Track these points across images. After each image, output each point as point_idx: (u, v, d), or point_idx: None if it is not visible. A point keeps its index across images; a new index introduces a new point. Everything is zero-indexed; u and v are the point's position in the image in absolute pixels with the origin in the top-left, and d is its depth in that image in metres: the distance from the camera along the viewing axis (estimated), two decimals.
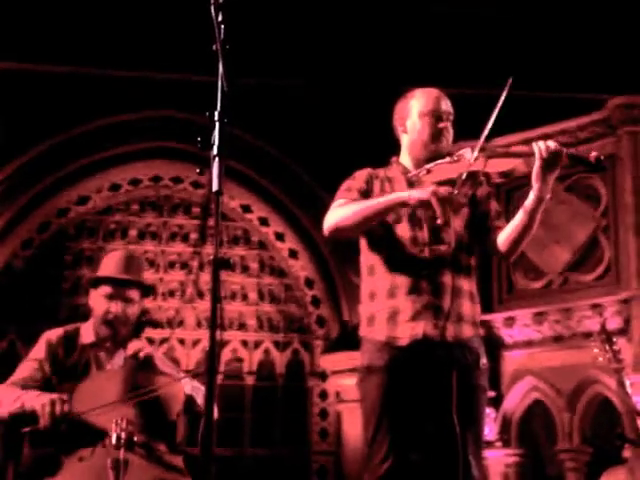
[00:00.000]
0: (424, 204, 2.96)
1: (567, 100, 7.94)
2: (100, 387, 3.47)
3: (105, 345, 3.68)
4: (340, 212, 3.11)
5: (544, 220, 7.70)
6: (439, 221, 2.92)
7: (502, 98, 2.98)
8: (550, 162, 2.93)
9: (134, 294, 3.68)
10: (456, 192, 2.96)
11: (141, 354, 3.52)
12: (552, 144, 2.94)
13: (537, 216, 3.05)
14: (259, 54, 8.08)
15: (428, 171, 3.11)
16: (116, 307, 3.62)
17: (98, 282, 3.70)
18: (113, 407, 3.36)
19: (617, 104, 7.04)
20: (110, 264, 3.72)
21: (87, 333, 3.70)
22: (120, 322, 3.64)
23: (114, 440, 3.29)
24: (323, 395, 8.96)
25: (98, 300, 3.68)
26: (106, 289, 3.65)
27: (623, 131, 7.07)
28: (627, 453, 4.77)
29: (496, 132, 6.33)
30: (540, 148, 2.94)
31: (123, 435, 3.29)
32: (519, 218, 3.07)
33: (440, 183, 3.12)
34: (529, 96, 7.76)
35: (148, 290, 3.84)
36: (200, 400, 3.62)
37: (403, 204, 3.03)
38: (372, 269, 3.18)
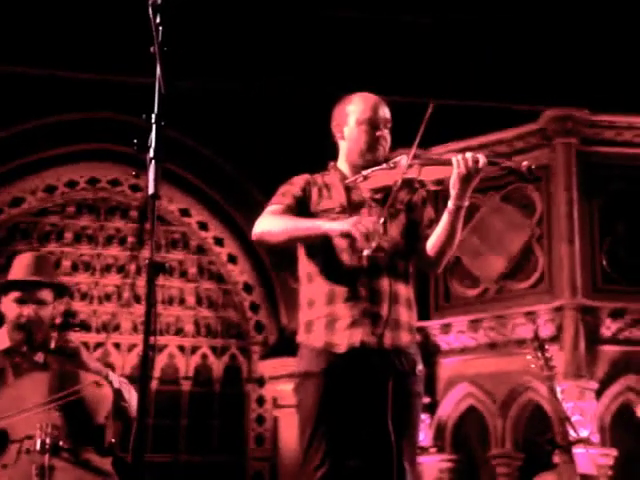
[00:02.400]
0: (347, 236, 2.97)
1: (505, 110, 8.08)
2: (20, 393, 3.39)
3: (21, 350, 3.59)
4: (270, 223, 3.11)
5: (480, 229, 7.89)
6: (365, 252, 2.94)
7: (426, 118, 3.00)
8: (467, 174, 2.97)
9: (46, 295, 3.60)
10: (382, 221, 2.97)
11: (70, 345, 3.45)
12: (470, 158, 2.98)
13: (458, 224, 3.08)
14: (198, 57, 8.04)
15: (365, 177, 3.13)
16: (28, 310, 3.54)
17: (8, 287, 3.61)
18: (37, 412, 3.29)
19: (552, 116, 7.18)
20: (19, 267, 3.63)
21: (2, 340, 3.61)
22: (34, 325, 3.55)
23: (38, 446, 3.22)
24: (260, 401, 8.94)
25: (9, 305, 3.60)
26: (15, 294, 3.57)
27: (557, 142, 7.21)
28: (557, 458, 4.84)
29: (436, 141, 6.42)
30: (458, 160, 2.98)
31: (48, 440, 3.23)
32: (441, 227, 3.11)
33: (376, 190, 3.15)
34: (468, 105, 7.87)
35: (62, 290, 3.75)
36: (127, 395, 3.58)
37: (327, 235, 3.04)
38: (310, 276, 3.18)
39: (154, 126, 2.50)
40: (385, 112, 3.28)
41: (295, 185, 3.24)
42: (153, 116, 2.52)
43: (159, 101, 2.52)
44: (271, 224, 3.10)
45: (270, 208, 3.18)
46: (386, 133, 3.26)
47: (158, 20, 2.52)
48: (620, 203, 7.06)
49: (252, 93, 8.41)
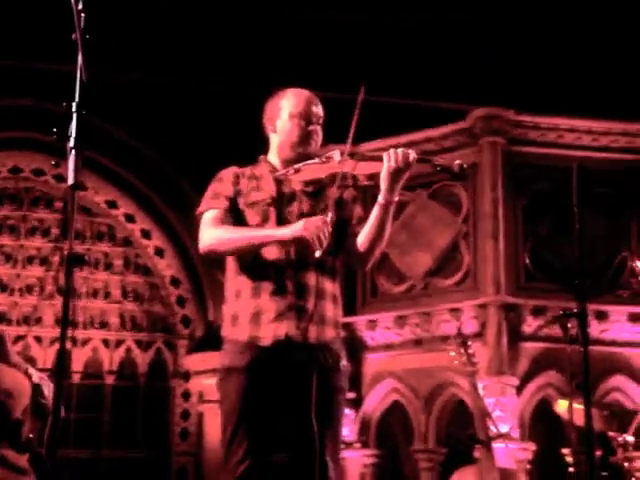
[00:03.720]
0: (299, 240, 2.98)
1: (435, 109, 8.15)
2: None
3: None
4: (216, 236, 3.09)
5: (408, 226, 7.95)
6: (317, 254, 2.95)
7: (359, 102, 3.01)
8: (397, 169, 3.00)
9: None
10: (330, 216, 2.98)
11: None
12: (401, 154, 3.00)
13: (387, 221, 3.10)
14: (129, 49, 7.92)
15: (296, 171, 3.12)
16: None
17: None
18: None
19: (479, 115, 7.29)
20: None
21: None
22: None
23: None
24: (186, 395, 8.87)
25: None
26: None
27: (484, 141, 7.32)
28: (478, 453, 4.91)
29: (366, 137, 6.45)
30: (389, 156, 3.01)
31: None
32: (370, 223, 3.12)
33: (308, 183, 3.15)
34: (398, 103, 7.92)
35: None
36: (47, 391, 3.51)
37: (278, 241, 3.05)
38: (238, 269, 3.16)
39: (74, 115, 2.44)
40: (318, 107, 3.28)
41: (225, 181, 3.22)
42: (74, 105, 2.47)
43: (80, 89, 2.47)
44: (219, 237, 3.09)
45: (209, 216, 3.15)
46: (318, 129, 3.26)
47: (80, 7, 2.46)
48: (543, 203, 7.19)
49: (183, 85, 8.33)
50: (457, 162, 3.03)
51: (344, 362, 3.19)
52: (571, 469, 5.01)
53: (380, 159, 3.06)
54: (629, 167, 7.50)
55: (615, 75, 8.35)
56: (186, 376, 8.83)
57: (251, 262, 3.14)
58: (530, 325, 7.04)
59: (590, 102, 7.87)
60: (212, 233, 3.11)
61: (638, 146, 7.48)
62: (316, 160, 3.13)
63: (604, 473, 4.30)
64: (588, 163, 7.26)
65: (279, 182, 3.21)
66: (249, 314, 3.10)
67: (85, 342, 8.79)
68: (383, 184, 3.04)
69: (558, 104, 7.63)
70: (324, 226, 2.96)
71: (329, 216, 2.99)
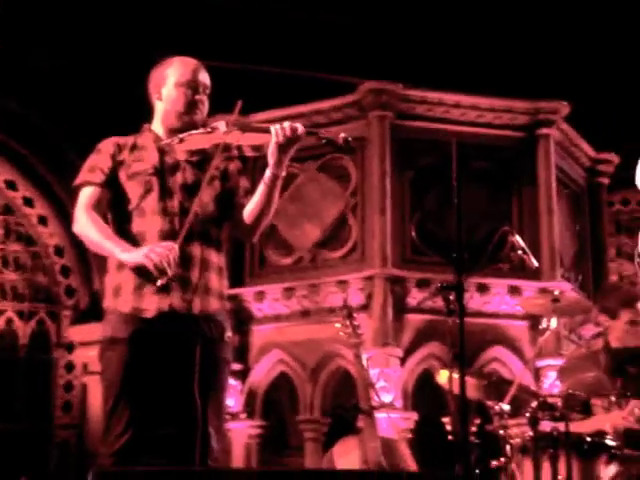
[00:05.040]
0: (141, 268, 2.95)
1: (326, 81, 8.15)
2: None
3: None
4: (81, 225, 3.10)
5: (296, 197, 7.96)
6: (159, 283, 2.93)
7: (237, 109, 3.02)
8: (285, 142, 3.01)
9: None
10: (175, 247, 2.95)
11: None
12: (288, 127, 3.02)
13: (274, 193, 3.12)
14: (18, 20, 7.65)
15: (181, 140, 3.09)
16: None
17: None
18: None
19: (368, 89, 7.33)
20: None
21: None
22: None
23: None
24: (69, 367, 8.72)
25: None
26: None
27: (373, 115, 7.38)
28: (361, 423, 5.00)
29: (256, 108, 6.39)
30: (277, 129, 3.01)
31: None
32: (259, 193, 3.13)
33: (193, 152, 3.12)
34: (288, 74, 7.89)
35: None
36: None
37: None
38: (121, 239, 3.10)
39: None
40: (204, 77, 3.25)
41: (103, 154, 3.15)
42: None
43: None
44: (82, 230, 3.11)
45: (83, 195, 3.12)
46: (204, 98, 3.23)
47: None
48: (430, 177, 7.31)
49: (65, 52, 8.08)
50: (342, 135, 3.07)
51: (229, 334, 3.20)
52: (450, 437, 5.15)
53: (267, 131, 3.06)
54: (512, 143, 7.70)
55: (501, 52, 8.53)
56: (69, 347, 8.67)
57: (134, 233, 3.09)
58: (415, 297, 7.18)
59: (477, 79, 8.02)
60: (80, 221, 3.11)
61: (521, 123, 7.68)
62: (201, 130, 3.11)
63: (477, 441, 4.44)
64: (473, 139, 7.43)
65: (163, 152, 3.17)
66: (132, 285, 3.06)
67: None
68: (271, 158, 3.05)
69: (446, 80, 7.75)
70: (170, 253, 2.94)
71: (177, 244, 2.96)
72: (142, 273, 2.98)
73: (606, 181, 8.55)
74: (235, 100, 3.07)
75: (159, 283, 2.95)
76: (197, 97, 3.19)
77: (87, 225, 3.09)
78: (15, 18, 7.60)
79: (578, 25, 8.26)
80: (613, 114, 8.19)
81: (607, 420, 4.08)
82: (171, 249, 2.94)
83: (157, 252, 2.93)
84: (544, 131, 7.63)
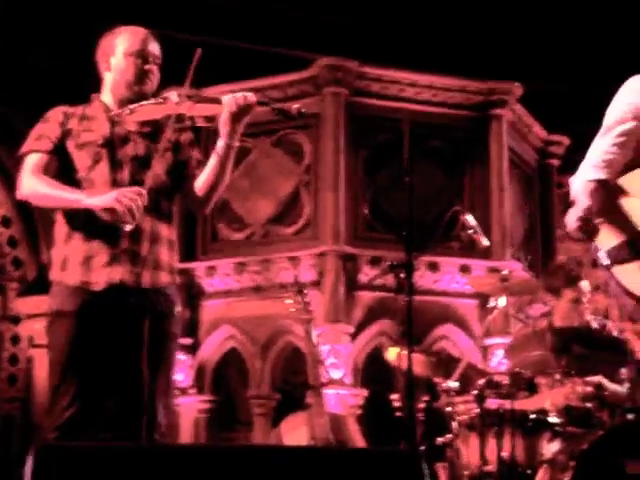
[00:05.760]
0: (109, 211, 2.90)
1: (282, 56, 8.09)
2: None
3: None
4: (32, 185, 3.02)
5: (250, 172, 7.92)
6: (127, 228, 2.88)
7: (194, 61, 2.97)
8: (237, 112, 2.99)
9: None
10: (144, 192, 2.91)
11: None
12: (241, 97, 2.99)
13: (227, 164, 3.09)
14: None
15: (131, 111, 3.04)
16: None
17: None
18: None
19: (323, 65, 7.30)
20: None
21: None
22: None
23: None
24: (15, 340, 8.60)
25: None
26: None
27: (327, 91, 7.35)
28: (310, 399, 5.01)
29: (211, 82, 6.31)
30: (229, 99, 2.99)
31: None
32: (211, 165, 3.10)
33: (144, 123, 3.07)
34: (246, 49, 7.81)
35: None
36: None
37: (88, 209, 2.97)
38: (69, 211, 3.05)
39: None
40: (154, 47, 3.19)
41: (52, 122, 3.09)
42: None
43: None
44: (34, 190, 3.02)
45: (30, 161, 3.05)
46: (155, 68, 3.18)
47: None
48: (384, 155, 7.33)
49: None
50: (295, 106, 3.06)
51: (178, 308, 3.18)
52: (398, 414, 5.20)
53: (219, 101, 3.04)
54: (466, 123, 7.74)
55: (457, 32, 8.54)
56: (16, 320, 8.55)
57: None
58: (367, 274, 7.20)
59: (432, 58, 8.02)
60: (29, 183, 3.03)
61: (474, 102, 7.72)
62: (152, 101, 3.06)
63: (423, 417, 4.48)
64: (427, 118, 7.46)
65: (113, 122, 3.11)
66: (80, 258, 3.02)
67: None
68: (223, 128, 3.03)
69: (402, 58, 7.74)
70: (137, 198, 2.90)
71: (145, 189, 2.92)
72: (111, 217, 2.93)
73: (557, 163, 8.65)
74: (186, 72, 3.02)
75: (128, 228, 2.90)
76: (147, 67, 3.14)
77: (36, 184, 3.02)
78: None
79: (533, 7, 8.30)
80: (565, 96, 8.26)
81: (549, 397, 4.15)
82: (140, 194, 2.90)
83: (128, 196, 2.89)
84: (497, 111, 7.68)
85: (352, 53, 7.46)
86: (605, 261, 2.54)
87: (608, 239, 2.58)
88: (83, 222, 3.03)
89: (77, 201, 2.98)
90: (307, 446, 4.39)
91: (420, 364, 4.29)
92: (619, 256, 2.53)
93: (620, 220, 2.59)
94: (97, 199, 2.94)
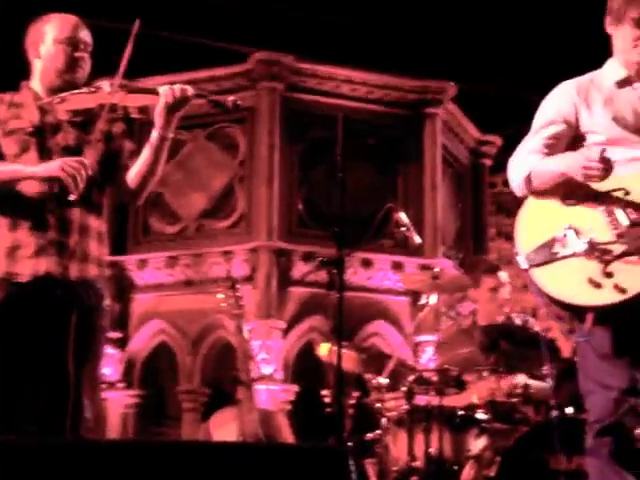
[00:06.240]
0: (54, 180, 2.83)
1: (218, 49, 8.04)
2: None
3: None
4: None
5: (184, 165, 7.86)
6: (72, 197, 2.83)
7: (133, 35, 2.92)
8: (173, 104, 2.97)
9: None
10: (87, 162, 2.86)
11: None
12: (177, 88, 2.96)
13: (161, 155, 3.06)
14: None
15: (62, 100, 2.98)
16: None
17: None
18: None
19: (259, 59, 7.29)
20: None
21: None
22: None
23: None
24: None
25: None
26: None
27: (263, 86, 7.33)
28: (240, 395, 4.99)
29: (147, 72, 6.23)
30: (165, 90, 2.96)
31: None
32: (144, 156, 3.06)
33: (75, 113, 3.01)
34: (183, 41, 7.75)
35: None
36: None
37: (31, 178, 2.91)
38: None
39: None
40: (85, 34, 3.14)
41: None
42: None
43: None
44: None
45: None
46: (86, 56, 3.12)
47: None
48: (319, 151, 7.34)
49: None
50: (231, 98, 3.04)
51: (107, 301, 3.13)
52: (328, 409, 5.21)
53: (153, 92, 2.99)
54: (400, 121, 7.80)
55: (394, 31, 8.59)
56: None
57: (9, 194, 2.97)
58: (300, 270, 7.21)
59: (369, 55, 8.06)
60: None
61: (409, 100, 7.79)
62: (84, 89, 3.00)
63: (352, 413, 4.50)
64: (362, 114, 7.49)
65: (43, 111, 3.05)
66: (5, 248, 2.96)
67: None
68: (158, 119, 2.99)
69: (338, 54, 7.76)
70: (82, 168, 2.85)
71: (88, 158, 2.88)
72: (54, 187, 2.88)
73: (489, 162, 8.78)
74: (118, 62, 2.97)
75: (72, 197, 2.85)
76: (77, 54, 3.08)
77: None
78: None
79: (469, 8, 8.39)
80: (498, 97, 8.38)
81: (475, 391, 4.20)
82: (84, 164, 2.85)
83: (72, 165, 2.84)
84: (431, 110, 7.76)
85: (289, 48, 7.45)
86: (524, 265, 2.58)
87: (527, 243, 2.63)
88: (9, 211, 2.96)
89: (17, 171, 2.92)
90: (235, 442, 4.36)
91: (351, 360, 4.30)
92: (537, 260, 2.57)
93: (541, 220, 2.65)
94: (40, 167, 2.89)
